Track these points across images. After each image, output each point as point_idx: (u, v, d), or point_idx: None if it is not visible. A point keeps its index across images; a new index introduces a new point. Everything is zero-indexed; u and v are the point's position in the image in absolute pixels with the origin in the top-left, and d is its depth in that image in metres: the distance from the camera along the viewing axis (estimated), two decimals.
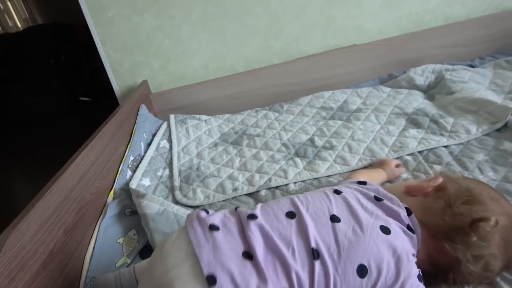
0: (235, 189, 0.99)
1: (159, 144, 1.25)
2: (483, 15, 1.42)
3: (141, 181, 1.07)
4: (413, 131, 1.03)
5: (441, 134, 0.99)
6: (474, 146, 0.92)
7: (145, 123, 1.29)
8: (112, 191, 0.99)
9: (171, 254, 0.52)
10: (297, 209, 0.57)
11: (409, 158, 0.93)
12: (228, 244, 0.51)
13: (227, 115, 1.40)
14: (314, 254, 0.50)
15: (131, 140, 1.17)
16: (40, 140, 3.12)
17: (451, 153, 0.92)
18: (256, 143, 1.19)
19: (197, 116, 1.40)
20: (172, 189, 1.05)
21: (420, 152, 0.95)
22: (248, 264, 0.49)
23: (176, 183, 1.07)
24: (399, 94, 1.27)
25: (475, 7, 1.43)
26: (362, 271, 0.49)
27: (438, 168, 0.87)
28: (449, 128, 1.00)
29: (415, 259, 0.53)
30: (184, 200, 0.98)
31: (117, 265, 0.81)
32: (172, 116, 1.40)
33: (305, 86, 1.42)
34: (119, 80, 1.49)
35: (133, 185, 1.02)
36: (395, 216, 0.57)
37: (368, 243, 0.51)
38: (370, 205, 0.58)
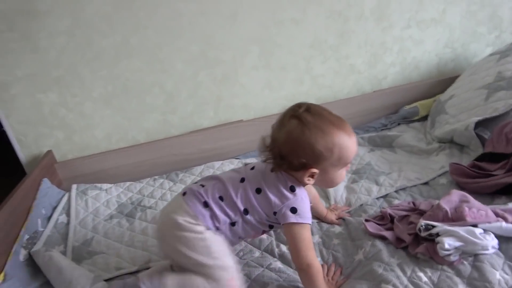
0: (119, 268, 1.12)
1: (57, 220, 1.35)
2: (347, 97, 1.73)
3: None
4: None
5: None
6: None
7: (45, 198, 1.38)
8: (2, 274, 1.08)
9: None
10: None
11: None
12: None
13: (128, 183, 1.54)
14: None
15: (27, 218, 1.26)
16: None
17: None
18: (147, 216, 1.33)
19: (99, 185, 1.52)
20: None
21: None
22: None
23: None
24: None
25: (340, 89, 1.73)
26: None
27: None
28: None
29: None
30: None
31: None
32: (74, 187, 1.50)
33: (199, 155, 1.61)
34: (24, 149, 1.57)
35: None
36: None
37: None
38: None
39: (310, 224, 0.85)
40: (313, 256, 0.83)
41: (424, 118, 1.68)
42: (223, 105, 1.63)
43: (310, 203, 0.89)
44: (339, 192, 1.28)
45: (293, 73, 1.66)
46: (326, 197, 1.27)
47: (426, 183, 1.25)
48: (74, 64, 1.45)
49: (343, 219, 1.14)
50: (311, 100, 1.70)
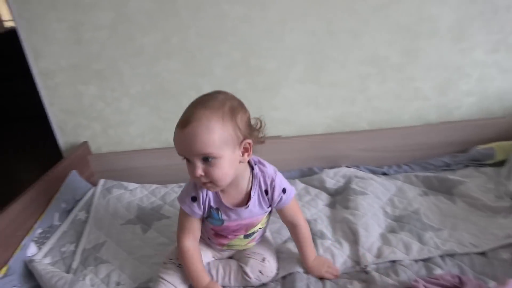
0: (117, 284, 1.07)
1: (76, 216, 1.34)
2: (406, 125, 1.49)
3: (44, 258, 1.16)
4: (289, 245, 1.09)
5: None
6: None
7: (69, 191, 1.38)
8: (5, 268, 1.08)
9: None
10: None
11: None
12: None
13: (154, 186, 1.49)
14: None
15: (45, 211, 1.26)
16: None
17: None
18: (162, 229, 1.27)
19: (126, 184, 1.49)
20: (68, 270, 1.13)
21: None
22: None
23: (75, 264, 1.15)
24: (306, 196, 1.34)
25: (399, 115, 1.50)
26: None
27: None
28: (320, 252, 1.06)
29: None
30: None
31: None
32: (101, 182, 1.49)
33: None
34: (64, 137, 1.59)
35: (34, 262, 1.10)
36: None
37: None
38: None
39: (184, 209, 0.90)
40: (180, 238, 0.92)
41: (500, 163, 1.38)
42: (260, 117, 1.50)
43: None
44: (370, 239, 1.08)
45: (344, 91, 1.47)
46: (354, 241, 1.08)
47: (482, 253, 1.00)
48: (114, 59, 1.42)
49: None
50: (362, 124, 1.50)
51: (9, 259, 1.10)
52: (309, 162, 1.49)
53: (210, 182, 0.80)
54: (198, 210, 0.89)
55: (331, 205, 1.30)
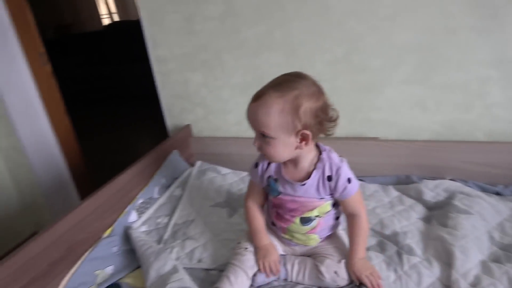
0: (199, 261, 1.14)
1: (173, 191, 1.46)
2: None
3: (141, 226, 1.29)
4: (372, 253, 1.03)
5: (394, 270, 0.98)
6: None
7: (169, 168, 1.51)
8: (110, 229, 1.23)
9: None
10: None
11: None
12: None
13: (244, 174, 1.54)
14: None
15: (148, 184, 1.40)
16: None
17: None
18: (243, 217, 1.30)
19: (219, 168, 1.57)
20: (160, 240, 1.25)
21: None
22: None
23: (166, 235, 1.26)
24: (398, 205, 1.24)
25: None
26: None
27: None
28: (405, 268, 0.98)
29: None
30: None
31: None
32: (198, 164, 1.60)
33: None
34: (171, 119, 1.74)
35: (132, 229, 1.24)
36: None
37: None
38: None
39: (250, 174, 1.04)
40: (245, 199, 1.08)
41: None
42: (359, 117, 1.43)
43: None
44: (468, 264, 0.95)
45: (459, 95, 1.30)
46: (448, 264, 0.97)
47: None
48: (220, 50, 1.49)
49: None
50: (477, 134, 1.33)
51: (114, 222, 1.25)
52: (408, 169, 1.37)
53: (265, 154, 0.90)
54: (257, 176, 1.00)
55: (426, 220, 1.18)
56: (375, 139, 1.41)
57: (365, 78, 1.36)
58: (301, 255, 1.03)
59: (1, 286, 0.89)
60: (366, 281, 0.89)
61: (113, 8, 6.07)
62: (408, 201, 1.27)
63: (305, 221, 0.96)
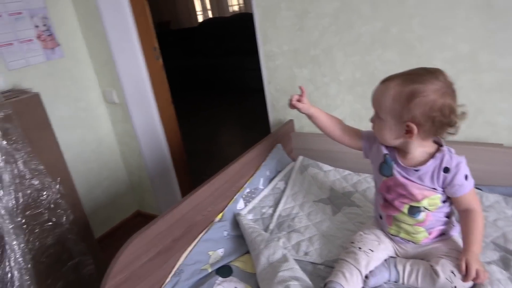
0: (306, 254, 1.16)
1: (276, 184, 1.51)
2: None
3: (248, 214, 1.35)
4: (496, 268, 0.96)
5: None
6: None
7: (273, 161, 1.55)
8: (221, 214, 1.31)
9: None
10: None
11: None
12: None
13: (347, 172, 1.53)
14: None
15: (254, 175, 1.46)
16: None
17: None
18: (351, 216, 1.29)
19: (321, 165, 1.58)
20: (266, 229, 1.30)
21: None
22: None
23: (272, 225, 1.31)
24: None
25: None
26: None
27: None
28: None
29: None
30: None
31: (201, 268, 1.13)
32: (300, 158, 1.62)
33: None
34: (274, 113, 1.79)
35: (241, 216, 1.31)
36: None
37: None
38: None
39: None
40: None
41: None
42: (480, 120, 1.32)
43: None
44: None
45: None
46: None
47: None
48: (330, 46, 1.49)
49: None
50: None
51: (224, 208, 1.33)
52: None
53: (374, 132, 0.99)
54: (370, 135, 1.07)
55: None
56: (499, 145, 1.30)
57: (492, 78, 1.25)
58: (413, 258, 1.00)
59: (134, 256, 1.00)
60: (473, 273, 0.86)
61: (208, 6, 6.39)
62: None
63: (414, 211, 0.96)
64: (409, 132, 0.88)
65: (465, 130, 1.36)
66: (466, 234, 0.93)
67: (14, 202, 1.43)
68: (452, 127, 0.88)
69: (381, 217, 1.05)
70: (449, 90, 0.86)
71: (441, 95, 0.84)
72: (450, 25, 1.25)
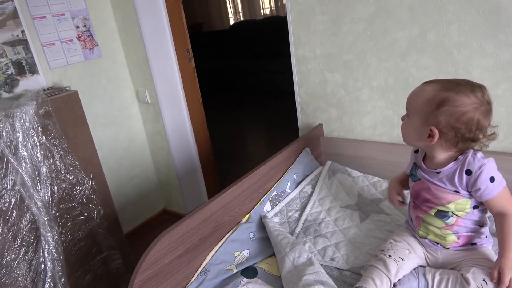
0: (332, 259, 1.15)
1: (303, 188, 1.50)
2: None
3: (274, 217, 1.36)
4: None
5: None
6: None
7: (301, 165, 1.55)
8: (248, 215, 1.32)
9: None
10: None
11: None
12: None
13: (375, 179, 1.50)
14: None
15: (281, 178, 1.46)
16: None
17: None
18: (379, 224, 1.27)
19: (349, 170, 1.56)
20: (292, 233, 1.29)
21: None
22: None
23: (298, 229, 1.31)
24: None
25: None
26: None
27: None
28: None
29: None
30: None
31: (227, 268, 1.14)
32: (328, 163, 1.61)
33: None
34: (303, 116, 1.78)
35: (267, 218, 1.31)
36: None
37: None
38: None
39: None
40: None
41: None
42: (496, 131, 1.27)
43: None
44: None
45: None
46: None
47: None
48: (364, 51, 1.47)
49: None
50: None
51: (251, 210, 1.34)
52: None
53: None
54: (411, 161, 1.07)
55: None
56: None
57: None
58: (443, 267, 0.97)
59: (162, 253, 1.01)
60: (507, 281, 0.83)
61: (240, 8, 6.45)
62: None
63: (441, 215, 0.95)
64: (430, 136, 0.89)
65: (503, 140, 1.31)
66: (500, 239, 0.90)
67: (49, 195, 1.49)
68: (475, 142, 0.87)
69: (411, 219, 1.05)
70: (483, 107, 0.85)
71: (472, 110, 0.84)
72: (492, 31, 1.21)
